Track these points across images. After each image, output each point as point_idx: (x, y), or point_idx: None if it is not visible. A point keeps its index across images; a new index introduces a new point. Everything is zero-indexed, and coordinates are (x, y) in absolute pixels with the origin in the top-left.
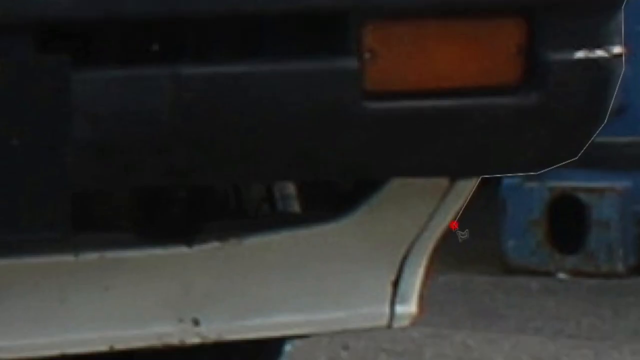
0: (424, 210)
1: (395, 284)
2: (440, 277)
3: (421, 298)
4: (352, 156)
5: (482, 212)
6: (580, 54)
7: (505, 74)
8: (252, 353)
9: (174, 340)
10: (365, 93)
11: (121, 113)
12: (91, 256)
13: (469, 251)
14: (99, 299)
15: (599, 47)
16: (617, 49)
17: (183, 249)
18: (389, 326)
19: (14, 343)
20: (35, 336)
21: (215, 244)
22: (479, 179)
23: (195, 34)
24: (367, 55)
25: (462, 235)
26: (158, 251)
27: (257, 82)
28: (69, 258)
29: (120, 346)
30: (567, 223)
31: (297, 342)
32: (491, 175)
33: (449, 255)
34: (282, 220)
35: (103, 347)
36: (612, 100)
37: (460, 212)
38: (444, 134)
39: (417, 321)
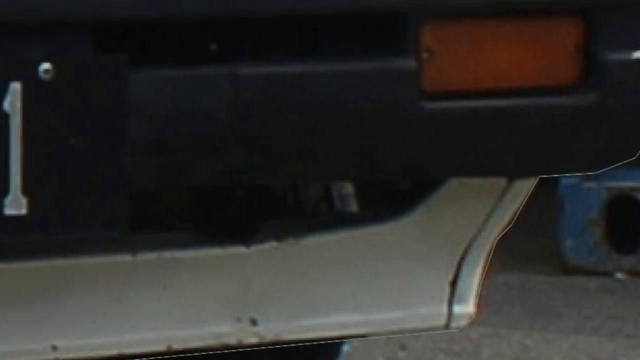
0: (481, 210)
1: (453, 283)
2: (498, 276)
3: (478, 298)
4: (410, 156)
5: (540, 212)
6: (638, 54)
7: (563, 73)
8: (309, 353)
9: (232, 340)
10: (423, 93)
11: (179, 112)
12: (149, 256)
13: (527, 251)
14: (156, 299)
15: None
16: None
17: (241, 249)
18: (447, 326)
19: (72, 343)
20: (93, 336)
21: (273, 244)
22: (537, 179)
23: (252, 33)
24: (425, 55)
25: None
26: (216, 251)
27: (315, 82)
28: (127, 258)
29: (177, 346)
30: (625, 223)
31: (355, 342)
32: (549, 175)
33: (506, 254)
34: (340, 220)
35: (161, 347)
36: None
37: (518, 211)
38: (502, 133)
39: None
